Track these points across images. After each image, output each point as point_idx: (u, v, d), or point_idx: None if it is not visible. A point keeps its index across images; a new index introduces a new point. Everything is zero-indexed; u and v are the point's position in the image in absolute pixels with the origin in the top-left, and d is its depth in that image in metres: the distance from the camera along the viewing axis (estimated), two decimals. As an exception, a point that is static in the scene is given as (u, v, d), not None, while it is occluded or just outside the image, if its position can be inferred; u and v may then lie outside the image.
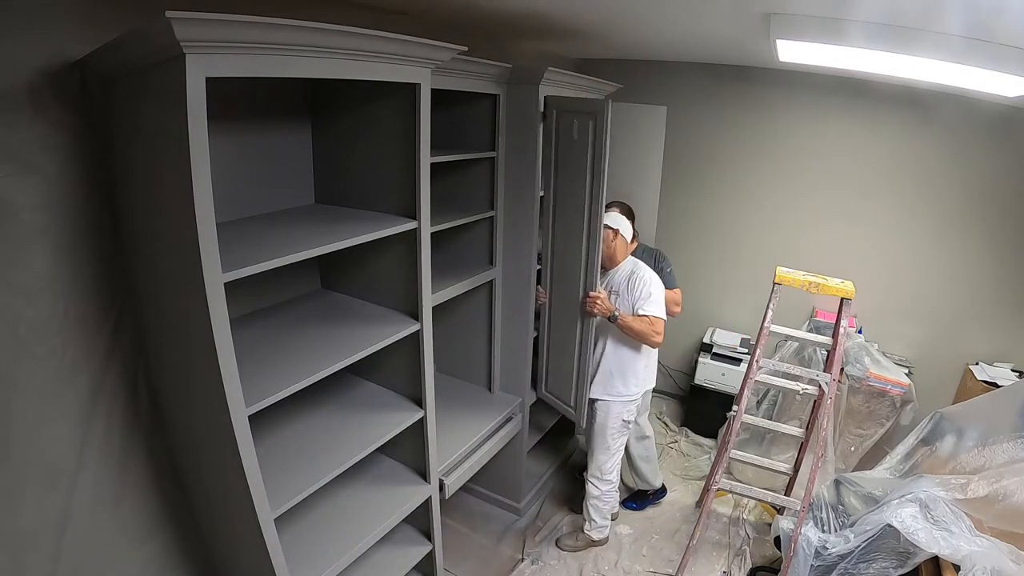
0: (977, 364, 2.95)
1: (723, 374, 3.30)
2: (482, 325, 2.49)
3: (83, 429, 1.36)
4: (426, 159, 1.55)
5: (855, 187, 3.12)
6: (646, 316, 2.22)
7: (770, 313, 2.16)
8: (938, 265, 3.02)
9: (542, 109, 2.14)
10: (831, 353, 2.18)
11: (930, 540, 1.75)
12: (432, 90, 1.52)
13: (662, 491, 2.91)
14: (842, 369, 2.88)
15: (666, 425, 3.61)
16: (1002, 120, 2.63)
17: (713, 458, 2.54)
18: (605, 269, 2.31)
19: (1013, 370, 2.87)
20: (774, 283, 2.16)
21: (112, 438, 1.43)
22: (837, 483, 2.30)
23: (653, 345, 2.27)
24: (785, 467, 2.53)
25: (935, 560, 1.82)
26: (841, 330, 2.10)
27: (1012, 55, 1.68)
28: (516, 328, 2.47)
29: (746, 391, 2.26)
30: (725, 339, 3.45)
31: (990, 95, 2.34)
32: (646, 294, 2.24)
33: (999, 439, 1.94)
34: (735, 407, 2.35)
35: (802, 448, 2.50)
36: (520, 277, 2.38)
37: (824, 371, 2.18)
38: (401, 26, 1.42)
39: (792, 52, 2.22)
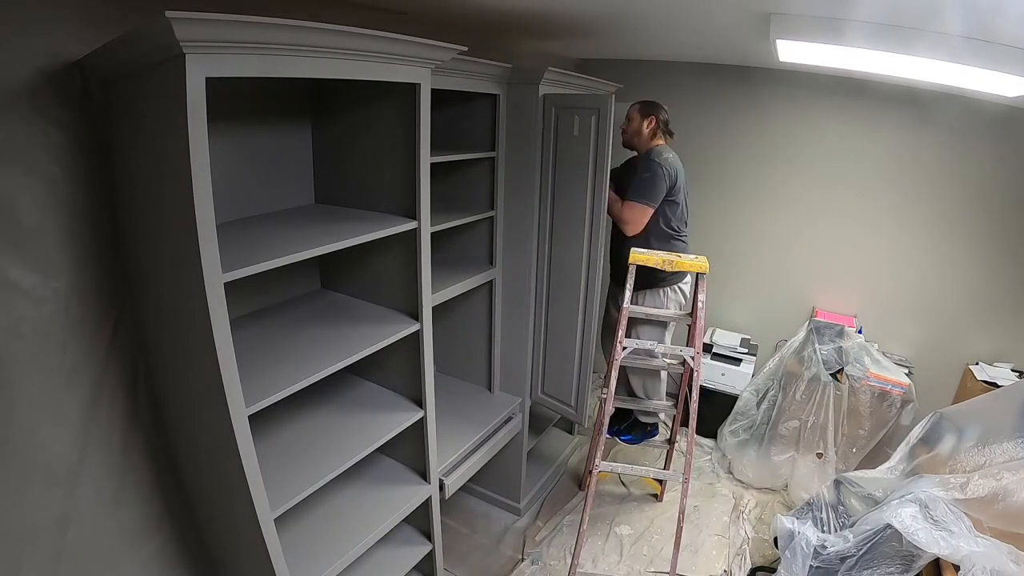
0: (977, 364, 2.95)
1: (723, 374, 3.29)
2: (482, 325, 2.49)
3: (83, 429, 1.36)
4: (426, 159, 1.55)
5: (855, 187, 3.12)
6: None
7: (627, 294, 2.19)
8: (938, 265, 3.02)
9: (542, 108, 2.14)
10: (691, 327, 2.23)
11: (930, 540, 1.75)
12: (432, 90, 1.52)
13: (656, 428, 2.91)
14: (842, 369, 2.88)
15: (667, 425, 3.60)
16: (1002, 120, 2.63)
17: (599, 444, 2.56)
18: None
19: (1013, 370, 2.87)
20: (628, 264, 2.20)
21: (112, 438, 1.43)
22: (837, 483, 2.30)
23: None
24: (660, 440, 2.81)
25: (935, 560, 1.82)
26: (699, 304, 2.14)
27: (1012, 55, 1.68)
28: (516, 328, 2.48)
29: (613, 372, 2.26)
30: (725, 339, 3.45)
31: (990, 95, 2.34)
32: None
33: (999, 439, 1.94)
34: (604, 388, 2.39)
35: (675, 419, 2.67)
36: (520, 277, 2.38)
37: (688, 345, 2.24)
38: (401, 26, 1.43)
39: (792, 52, 2.22)
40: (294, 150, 1.76)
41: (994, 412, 2.05)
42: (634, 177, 2.36)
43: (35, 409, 1.27)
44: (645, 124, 2.43)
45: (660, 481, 2.93)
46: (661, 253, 2.19)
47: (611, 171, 2.17)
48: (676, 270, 2.16)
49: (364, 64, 1.30)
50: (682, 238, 2.50)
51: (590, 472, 2.32)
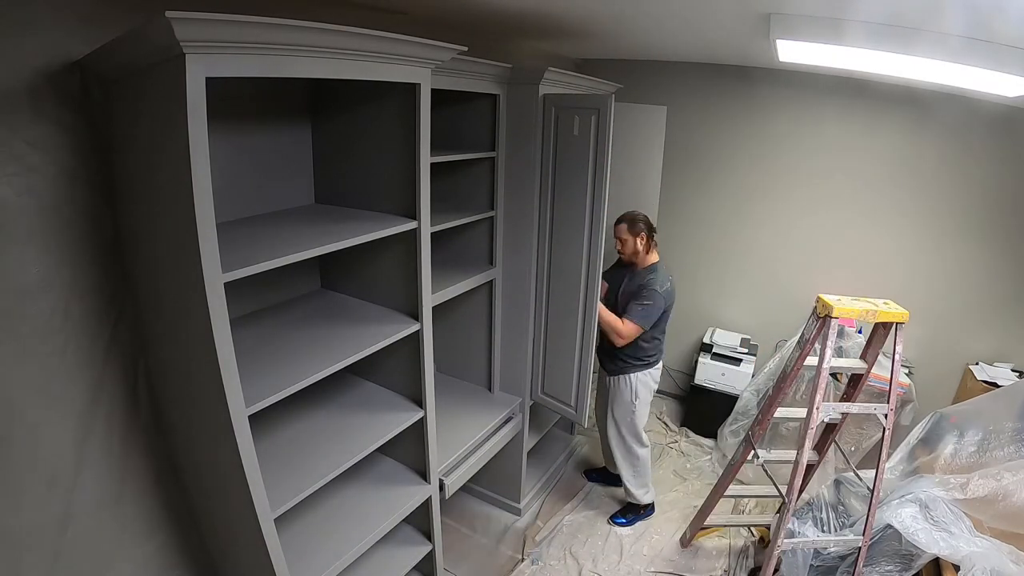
0: (977, 364, 2.95)
1: (723, 374, 3.30)
2: (482, 325, 2.49)
3: (83, 429, 1.36)
4: (426, 159, 1.55)
5: (855, 187, 3.12)
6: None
7: (828, 352, 1.86)
8: (938, 265, 3.02)
9: (542, 108, 2.14)
10: (860, 379, 2.03)
11: (930, 540, 1.75)
12: (432, 90, 1.52)
13: (651, 508, 2.83)
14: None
15: (666, 425, 3.61)
16: (1002, 120, 2.63)
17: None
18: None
19: (1013, 370, 2.87)
20: (822, 317, 1.87)
21: (112, 438, 1.43)
22: (837, 483, 2.30)
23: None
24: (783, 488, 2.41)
25: (935, 560, 1.82)
26: (898, 356, 1.89)
27: (1012, 55, 1.68)
28: (516, 328, 2.47)
29: (807, 442, 1.94)
30: (725, 339, 3.44)
31: (990, 95, 2.34)
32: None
33: (999, 439, 1.94)
34: (753, 452, 2.15)
35: (810, 469, 2.32)
36: (520, 277, 2.38)
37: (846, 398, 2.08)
38: (401, 26, 1.42)
39: (792, 52, 2.22)
40: (294, 150, 1.76)
41: (994, 412, 2.05)
42: (634, 296, 2.42)
43: (35, 409, 1.27)
44: (638, 242, 2.44)
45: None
46: (863, 303, 1.88)
47: (604, 272, 2.30)
48: (879, 320, 1.89)
49: (364, 64, 1.29)
50: (658, 338, 2.56)
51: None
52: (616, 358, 2.55)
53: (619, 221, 2.49)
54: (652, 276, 2.42)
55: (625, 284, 2.51)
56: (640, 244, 2.45)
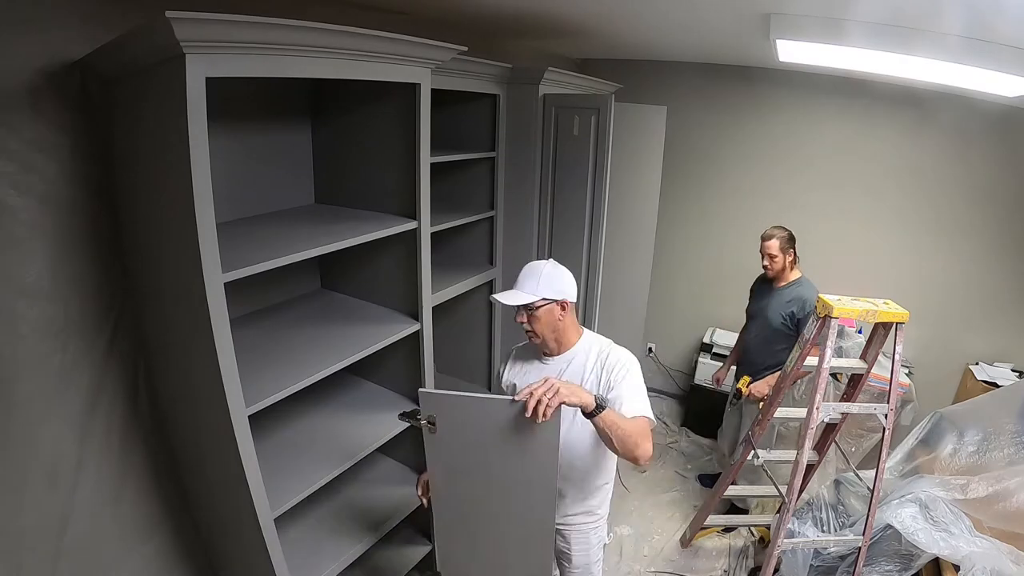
0: (977, 364, 2.95)
1: (723, 374, 3.29)
2: (482, 325, 2.49)
3: (83, 429, 1.36)
4: (426, 159, 1.55)
5: (854, 187, 3.12)
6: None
7: (828, 352, 1.85)
8: (938, 265, 3.02)
9: (542, 108, 2.14)
10: (860, 379, 2.05)
11: (930, 541, 1.75)
12: (432, 90, 1.52)
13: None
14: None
15: (666, 425, 3.60)
16: (1002, 120, 2.63)
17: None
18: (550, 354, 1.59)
19: (1013, 370, 2.87)
20: (822, 317, 1.86)
21: (112, 438, 1.43)
22: (837, 483, 2.30)
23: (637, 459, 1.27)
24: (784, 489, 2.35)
25: (935, 560, 1.82)
26: (898, 356, 1.88)
27: (1012, 55, 1.68)
28: (516, 328, 2.47)
29: (807, 443, 1.92)
30: (725, 339, 3.44)
31: (990, 95, 2.34)
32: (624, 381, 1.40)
33: (999, 439, 1.94)
34: (751, 452, 2.14)
35: (810, 469, 2.27)
36: (520, 277, 2.38)
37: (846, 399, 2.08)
38: (401, 26, 1.42)
39: (792, 52, 2.22)
40: (294, 150, 1.76)
41: (994, 412, 2.05)
42: (799, 317, 2.39)
43: (35, 409, 1.27)
44: (788, 259, 2.44)
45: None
46: (863, 303, 1.88)
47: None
48: (879, 320, 1.87)
49: (364, 64, 1.30)
50: None
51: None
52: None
53: (769, 237, 2.44)
54: (802, 291, 2.38)
55: (773, 300, 2.49)
56: (788, 261, 2.43)
